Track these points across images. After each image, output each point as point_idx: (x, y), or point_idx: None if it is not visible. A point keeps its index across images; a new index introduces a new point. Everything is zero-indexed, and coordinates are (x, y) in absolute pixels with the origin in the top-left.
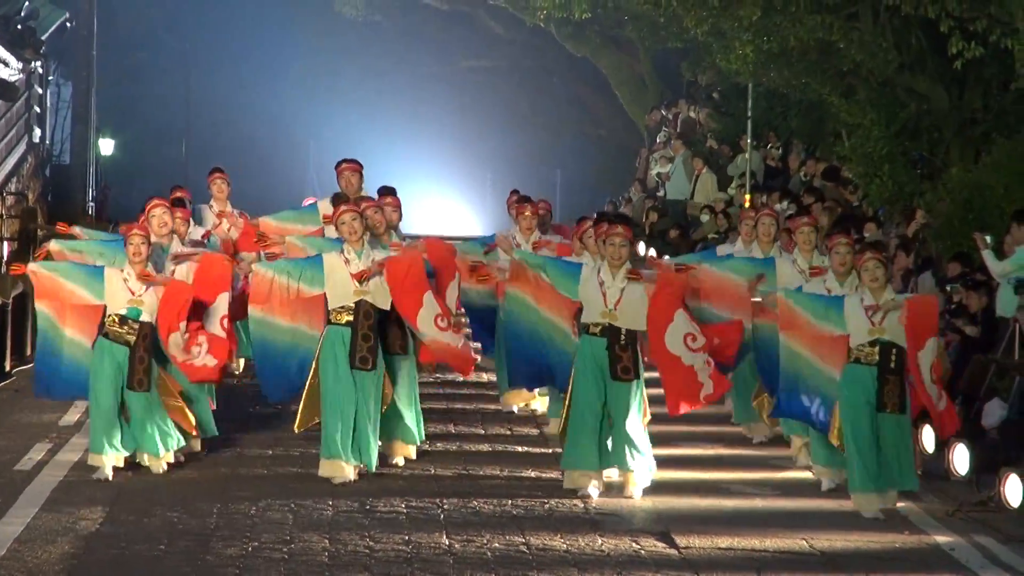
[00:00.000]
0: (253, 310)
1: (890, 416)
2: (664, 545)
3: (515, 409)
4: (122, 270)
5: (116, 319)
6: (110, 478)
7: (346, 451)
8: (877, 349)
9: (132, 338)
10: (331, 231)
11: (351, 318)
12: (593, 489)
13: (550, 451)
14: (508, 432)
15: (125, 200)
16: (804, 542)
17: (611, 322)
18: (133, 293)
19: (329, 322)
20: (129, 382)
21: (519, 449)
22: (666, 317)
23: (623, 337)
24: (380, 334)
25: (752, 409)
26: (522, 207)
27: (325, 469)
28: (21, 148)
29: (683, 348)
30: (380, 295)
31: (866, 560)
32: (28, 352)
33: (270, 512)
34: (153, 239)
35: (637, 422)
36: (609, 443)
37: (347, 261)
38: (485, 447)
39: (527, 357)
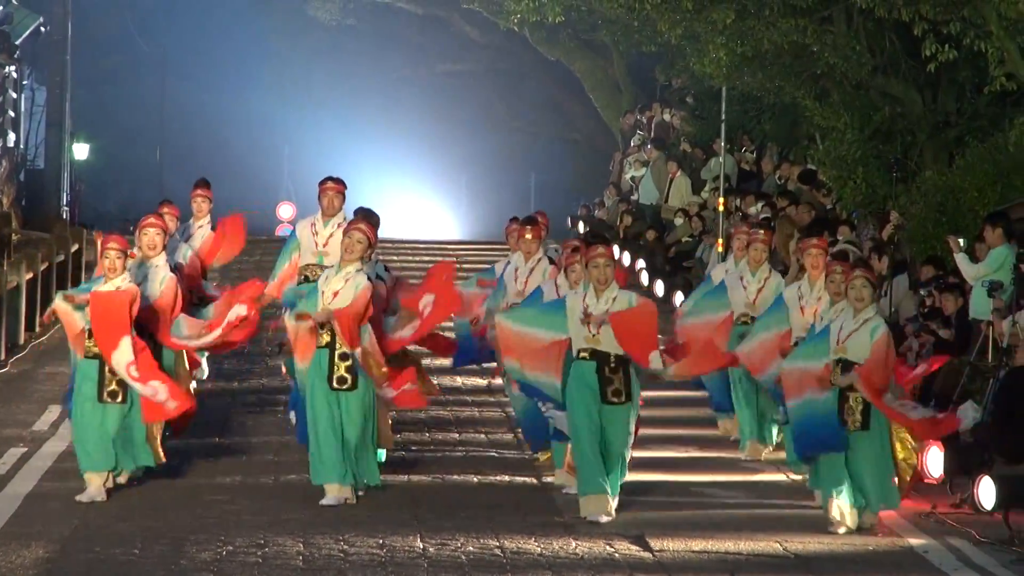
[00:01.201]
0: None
1: (857, 434)
2: (638, 548)
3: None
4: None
5: (86, 333)
6: (105, 499)
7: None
8: (839, 368)
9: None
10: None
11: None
12: (605, 516)
13: (525, 455)
14: (483, 437)
15: (100, 205)
16: (778, 545)
17: (595, 347)
18: None
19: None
20: (99, 395)
21: (493, 454)
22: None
23: (612, 360)
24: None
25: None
26: (523, 231)
27: None
28: None
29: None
30: None
31: (840, 562)
32: (2, 356)
33: (244, 516)
34: (139, 253)
35: (625, 445)
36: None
37: (326, 278)
38: (459, 452)
39: (535, 419)
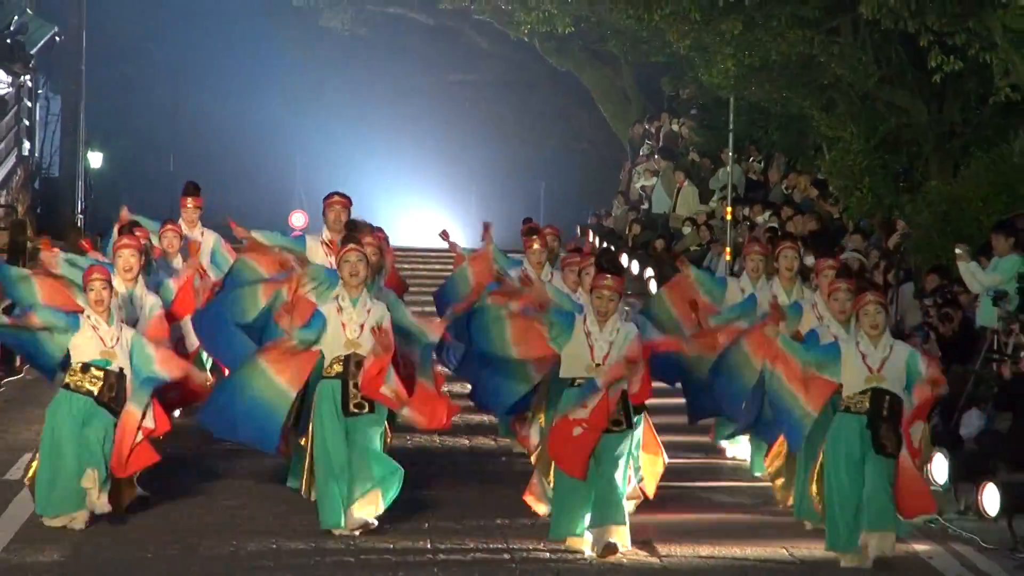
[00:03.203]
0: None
1: (881, 459)
2: (646, 554)
3: None
4: (89, 317)
5: (79, 367)
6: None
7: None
8: (868, 396)
9: (96, 387)
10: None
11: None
12: (586, 548)
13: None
14: (492, 443)
15: (113, 212)
16: (784, 551)
17: (596, 377)
18: (105, 343)
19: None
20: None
21: (502, 460)
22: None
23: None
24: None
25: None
26: (529, 240)
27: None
28: (11, 161)
29: None
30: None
31: (846, 569)
32: (16, 364)
33: (256, 519)
34: (115, 281)
35: (622, 475)
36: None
37: (340, 309)
38: (469, 458)
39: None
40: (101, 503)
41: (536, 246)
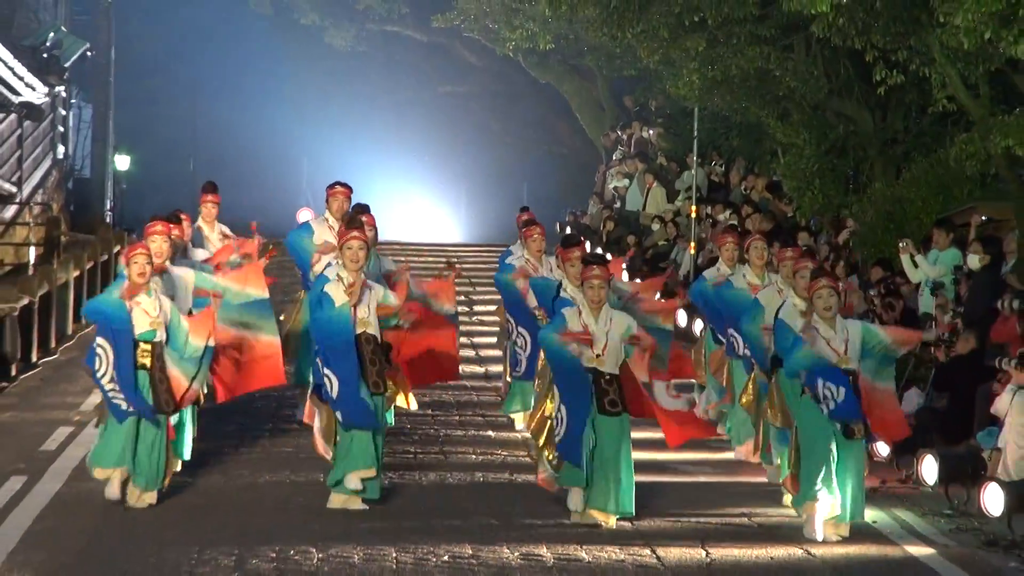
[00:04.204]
0: None
1: (852, 445)
2: (619, 519)
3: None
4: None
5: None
6: (118, 497)
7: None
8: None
9: (147, 360)
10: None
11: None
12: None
13: (522, 455)
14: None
15: (139, 210)
16: (744, 516)
17: (597, 367)
18: (149, 315)
19: None
20: (157, 405)
21: (502, 455)
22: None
23: (607, 374)
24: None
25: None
26: (530, 230)
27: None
28: (47, 163)
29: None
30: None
31: (798, 530)
32: (52, 344)
33: (262, 524)
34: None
35: (625, 457)
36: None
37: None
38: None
39: None
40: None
41: (536, 235)
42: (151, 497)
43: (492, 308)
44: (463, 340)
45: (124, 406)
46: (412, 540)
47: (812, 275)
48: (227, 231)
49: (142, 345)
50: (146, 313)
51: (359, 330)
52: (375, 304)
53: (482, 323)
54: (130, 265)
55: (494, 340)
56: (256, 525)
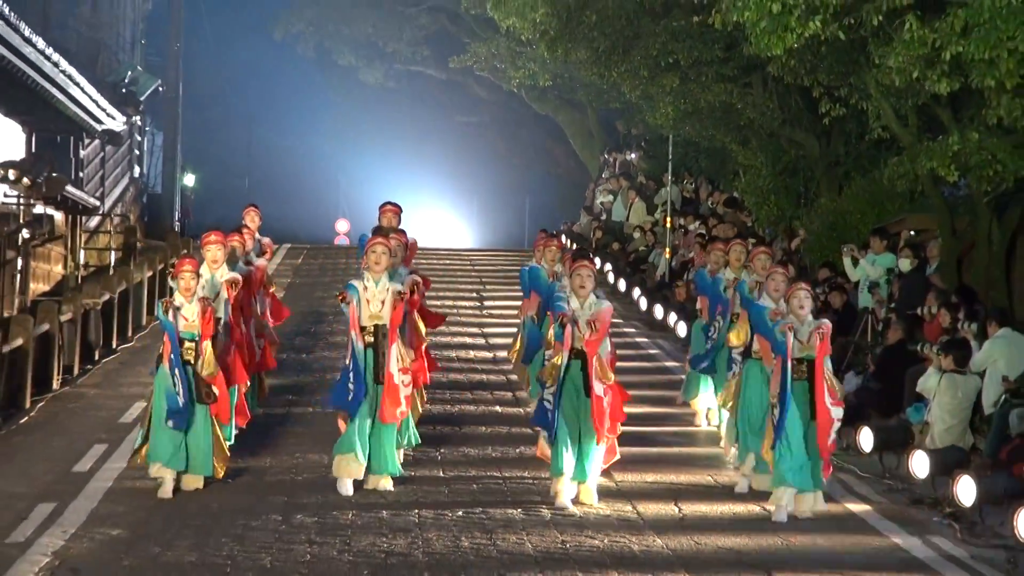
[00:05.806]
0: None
1: (814, 423)
2: (603, 479)
3: None
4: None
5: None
6: (170, 497)
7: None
8: (804, 364)
9: (191, 357)
10: None
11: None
12: (567, 500)
13: (524, 429)
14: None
15: (202, 220)
16: (710, 477)
17: (581, 347)
18: (187, 319)
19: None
20: (198, 395)
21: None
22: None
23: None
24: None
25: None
26: (549, 242)
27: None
28: (125, 181)
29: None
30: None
31: (755, 491)
32: (129, 333)
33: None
34: (203, 271)
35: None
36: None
37: (365, 288)
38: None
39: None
40: (165, 491)
41: (554, 247)
42: (197, 482)
43: (499, 302)
44: (474, 330)
45: (180, 400)
46: (431, 498)
47: (791, 281)
48: (266, 240)
49: (187, 343)
50: (184, 318)
51: (372, 322)
52: (391, 299)
53: (491, 315)
54: (178, 280)
55: (501, 330)
56: (299, 494)
